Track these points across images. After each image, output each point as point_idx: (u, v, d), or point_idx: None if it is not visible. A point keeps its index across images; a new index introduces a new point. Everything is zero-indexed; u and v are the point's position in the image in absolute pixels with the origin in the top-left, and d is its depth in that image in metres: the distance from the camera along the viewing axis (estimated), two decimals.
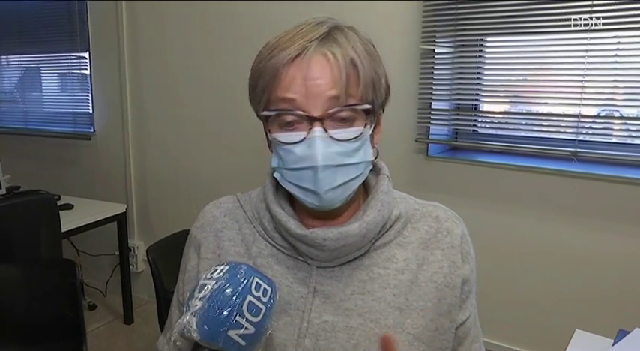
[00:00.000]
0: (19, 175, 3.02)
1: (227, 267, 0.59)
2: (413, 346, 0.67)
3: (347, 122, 0.65)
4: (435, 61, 2.09)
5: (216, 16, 2.44)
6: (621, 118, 1.92)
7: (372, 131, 0.71)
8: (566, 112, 1.94)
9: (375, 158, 0.75)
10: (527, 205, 2.01)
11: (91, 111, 3.28)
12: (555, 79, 1.94)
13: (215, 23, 2.45)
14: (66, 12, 3.23)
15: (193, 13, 2.56)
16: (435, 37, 2.07)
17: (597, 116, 1.90)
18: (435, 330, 0.69)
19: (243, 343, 0.56)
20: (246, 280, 0.57)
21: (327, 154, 0.63)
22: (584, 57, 1.82)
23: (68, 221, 2.32)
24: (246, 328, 0.56)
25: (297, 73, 0.63)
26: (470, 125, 2.16)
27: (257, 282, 0.58)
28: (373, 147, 0.72)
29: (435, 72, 2.09)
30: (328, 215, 0.71)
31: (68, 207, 2.60)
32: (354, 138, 0.65)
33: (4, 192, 2.52)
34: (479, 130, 2.20)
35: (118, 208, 2.73)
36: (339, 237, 0.66)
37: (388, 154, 2.23)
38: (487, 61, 2.07)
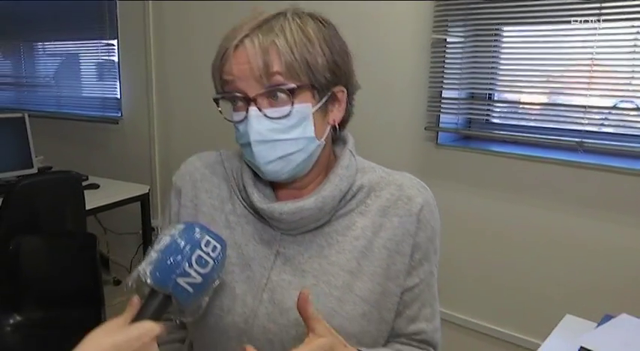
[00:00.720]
0: (51, 157, 3.19)
1: (183, 226, 0.67)
2: (358, 306, 0.73)
3: (283, 101, 0.70)
4: (447, 50, 2.12)
5: (239, 3, 2.52)
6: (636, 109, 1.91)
7: (327, 109, 0.75)
8: (576, 103, 1.94)
9: (339, 133, 0.81)
10: (536, 195, 2.03)
11: (118, 96, 3.43)
12: (565, 69, 1.94)
13: (239, 8, 2.52)
14: (96, 0, 3.37)
15: (218, 2, 2.65)
16: (447, 26, 2.09)
17: (613, 107, 1.90)
18: (382, 293, 0.75)
19: (191, 290, 0.64)
20: (197, 237, 0.66)
21: (259, 131, 0.70)
22: (592, 47, 1.83)
23: (94, 200, 2.46)
24: (193, 278, 0.64)
25: (234, 58, 0.69)
26: (483, 114, 2.19)
27: (207, 239, 0.66)
28: (330, 123, 0.77)
29: (446, 61, 2.12)
30: (293, 186, 0.77)
31: (95, 186, 2.74)
32: (285, 115, 0.70)
33: (36, 171, 2.68)
34: (492, 120, 2.22)
35: (142, 189, 2.86)
36: (294, 211, 0.73)
37: (397, 142, 2.33)
38: (503, 50, 2.07)
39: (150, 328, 0.62)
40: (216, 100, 0.76)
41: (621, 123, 1.91)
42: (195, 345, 0.84)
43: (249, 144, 0.72)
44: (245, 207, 0.79)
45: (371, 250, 0.75)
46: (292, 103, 0.70)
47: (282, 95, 0.70)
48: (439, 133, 2.21)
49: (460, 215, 2.21)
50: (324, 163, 0.79)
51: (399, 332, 0.79)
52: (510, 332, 2.09)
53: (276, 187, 0.79)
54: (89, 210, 2.34)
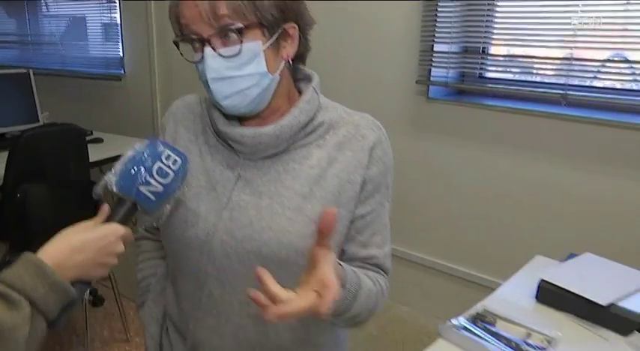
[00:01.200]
0: (56, 114, 3.28)
1: (148, 142, 0.75)
2: (307, 226, 0.80)
3: (234, 40, 0.75)
4: (439, 3, 2.13)
5: None
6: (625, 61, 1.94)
7: (280, 45, 0.80)
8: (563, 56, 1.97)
9: (303, 71, 0.88)
10: (521, 146, 2.09)
11: (121, 54, 3.48)
12: (551, 22, 1.96)
13: None
14: None
15: None
16: None
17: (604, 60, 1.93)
18: None
19: (153, 198, 0.73)
20: (159, 151, 0.73)
21: (215, 69, 0.77)
22: None
23: (98, 153, 2.55)
24: (155, 187, 0.72)
25: (185, 3, 0.76)
26: (476, 68, 2.22)
27: (168, 153, 0.74)
28: (284, 58, 0.82)
29: (438, 14, 2.14)
30: (257, 117, 0.84)
31: (99, 141, 2.83)
32: (236, 54, 0.76)
33: (42, 124, 2.78)
34: (486, 74, 2.25)
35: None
36: (253, 136, 0.81)
37: (389, 95, 2.38)
38: (499, 3, 2.08)
39: (115, 228, 0.70)
40: (176, 43, 0.82)
41: (608, 76, 1.94)
42: (168, 257, 0.94)
43: (207, 82, 0.78)
44: (216, 139, 0.87)
45: (324, 178, 0.82)
46: (242, 42, 0.75)
47: (232, 35, 0.75)
48: (430, 86, 2.26)
49: (447, 167, 2.28)
50: (285, 97, 0.85)
51: (352, 257, 0.87)
52: (489, 277, 2.20)
53: (242, 118, 0.86)
54: (93, 162, 2.43)
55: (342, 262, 0.75)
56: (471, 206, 2.25)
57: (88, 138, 2.56)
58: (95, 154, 2.48)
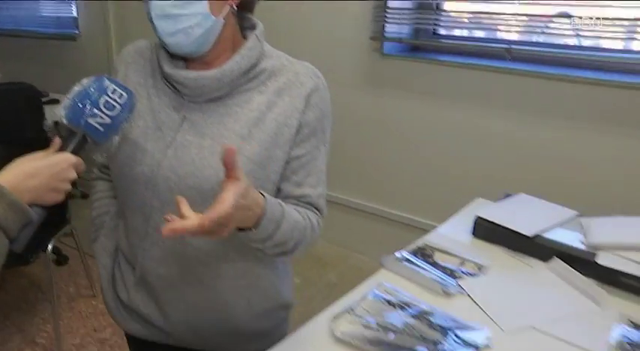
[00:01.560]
0: (11, 75, 3.20)
1: (94, 77, 0.79)
2: (246, 165, 0.86)
3: None
4: None
5: None
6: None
7: None
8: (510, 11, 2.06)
9: (249, 20, 0.93)
10: (469, 99, 2.19)
11: (75, 15, 3.40)
12: None
13: None
14: None
15: None
16: None
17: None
18: (268, 157, 0.88)
19: (102, 129, 0.78)
20: (105, 85, 0.78)
21: (158, 6, 0.81)
22: None
23: (55, 115, 2.53)
24: (102, 119, 0.78)
25: None
26: (429, 24, 2.28)
27: (114, 88, 0.79)
28: (229, 3, 0.86)
29: None
30: (202, 60, 0.89)
31: (55, 102, 2.80)
32: None
33: None
34: (439, 30, 2.32)
35: None
36: (196, 78, 0.86)
37: (343, 51, 2.43)
38: None
39: (67, 156, 0.76)
40: None
41: (553, 31, 2.04)
42: (117, 193, 1.00)
43: (152, 19, 0.83)
44: (163, 82, 0.92)
45: (263, 121, 0.88)
46: None
47: None
48: (384, 43, 2.31)
49: (401, 121, 2.38)
50: (230, 43, 0.90)
51: (287, 195, 0.93)
52: (438, 223, 2.33)
53: (188, 62, 0.91)
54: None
55: (265, 193, 0.81)
56: (421, 157, 2.37)
57: (44, 99, 2.53)
58: (52, 116, 2.46)
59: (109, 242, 1.03)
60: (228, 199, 0.69)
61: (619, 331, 1.02)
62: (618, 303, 1.11)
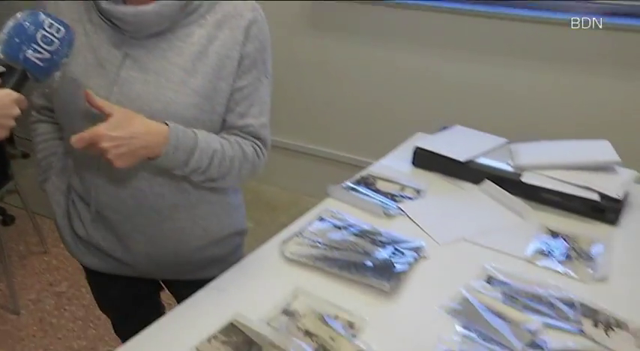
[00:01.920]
0: None
1: (29, 11, 0.78)
2: (191, 97, 0.89)
3: None
4: None
5: None
6: None
7: None
8: None
9: None
10: (407, 39, 2.26)
11: None
12: None
13: None
14: None
15: None
16: None
17: None
18: (213, 89, 0.91)
19: (41, 64, 0.78)
20: (41, 19, 0.78)
21: None
22: None
23: None
24: (41, 53, 0.77)
25: None
26: None
27: (50, 22, 0.78)
28: None
29: None
30: None
31: None
32: None
33: None
34: None
35: None
36: (135, 14, 0.86)
37: None
38: None
39: (8, 92, 0.76)
40: None
41: None
42: (64, 132, 1.01)
43: None
44: (100, 18, 0.91)
45: (205, 54, 0.91)
46: None
47: None
48: None
49: (343, 63, 2.44)
50: None
51: (231, 126, 0.97)
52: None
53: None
54: None
55: (169, 122, 0.85)
56: (363, 98, 2.46)
57: None
58: None
59: (61, 182, 1.04)
60: (97, 129, 0.78)
61: (539, 239, 1.15)
62: (540, 216, 1.24)
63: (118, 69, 0.89)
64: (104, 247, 1.01)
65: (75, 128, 0.91)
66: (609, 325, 0.89)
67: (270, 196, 2.78)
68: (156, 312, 1.22)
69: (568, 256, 1.08)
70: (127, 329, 1.02)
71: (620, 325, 0.89)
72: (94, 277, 1.13)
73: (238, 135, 0.97)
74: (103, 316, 2.00)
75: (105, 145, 0.77)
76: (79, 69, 0.90)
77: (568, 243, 1.13)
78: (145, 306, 1.18)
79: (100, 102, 0.80)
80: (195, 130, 0.89)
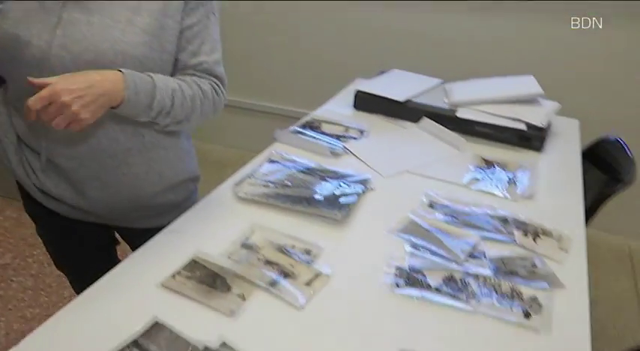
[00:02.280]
0: None
1: None
2: (139, 35, 0.89)
3: None
4: None
5: None
6: None
7: None
8: None
9: None
10: None
11: None
12: None
13: None
14: None
15: None
16: None
17: None
18: (160, 27, 0.91)
19: None
20: None
21: None
22: None
23: None
24: None
25: None
26: None
27: None
28: None
29: None
30: None
31: None
32: None
33: None
34: None
35: None
36: None
37: None
38: None
39: None
40: None
41: None
42: (9, 81, 0.97)
43: None
44: None
45: None
46: None
47: None
48: None
49: (268, 15, 2.44)
50: None
51: (184, 65, 0.97)
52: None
53: None
54: None
55: (123, 70, 0.84)
56: (303, 50, 2.47)
57: None
58: None
59: (7, 133, 1.00)
60: (53, 86, 0.76)
61: (474, 167, 1.24)
62: (474, 147, 1.33)
63: (60, 12, 0.87)
64: (56, 194, 1.00)
65: (22, 76, 0.88)
66: (537, 234, 1.00)
67: (218, 155, 2.78)
68: (113, 266, 1.23)
69: (500, 180, 1.18)
70: (84, 285, 1.03)
71: (546, 233, 1.00)
72: (49, 229, 1.13)
73: (194, 75, 0.97)
74: (55, 284, 1.99)
75: (66, 98, 0.75)
76: (19, 15, 0.86)
77: (500, 169, 1.23)
78: (101, 259, 1.19)
79: (46, 79, 0.77)
80: (149, 73, 0.89)
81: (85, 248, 1.17)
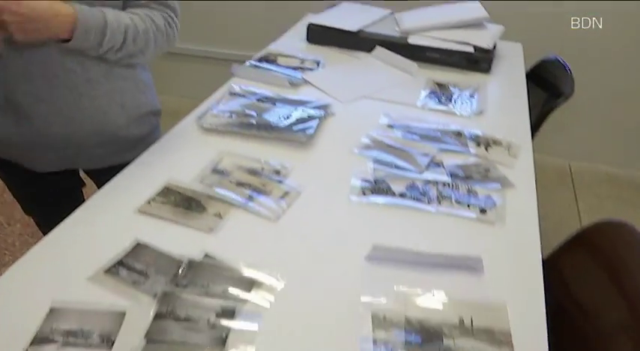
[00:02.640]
0: None
1: None
2: None
3: None
4: None
5: None
6: None
7: None
8: None
9: None
10: None
11: None
12: None
13: None
14: None
15: None
16: None
17: None
18: None
19: None
20: None
21: None
22: None
23: None
24: None
25: None
26: None
27: None
28: None
29: None
30: None
31: None
32: None
33: None
34: None
35: None
36: None
37: None
38: None
39: None
40: None
41: None
42: None
43: None
44: None
45: None
46: None
47: None
48: None
49: None
50: None
51: None
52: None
53: None
54: None
55: (75, 5, 0.83)
56: None
57: None
58: None
59: None
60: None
61: (427, 89, 1.29)
62: (426, 72, 1.38)
63: None
64: (18, 140, 0.98)
65: None
66: (488, 143, 1.07)
67: (173, 106, 2.71)
68: None
69: (452, 100, 1.25)
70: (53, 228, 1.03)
71: (497, 142, 1.07)
72: (13, 178, 1.11)
73: (147, 6, 0.96)
74: (18, 242, 1.97)
75: (7, 18, 0.74)
76: None
77: (451, 90, 1.29)
78: (69, 202, 1.18)
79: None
80: (102, 8, 0.87)
81: (52, 192, 1.16)
